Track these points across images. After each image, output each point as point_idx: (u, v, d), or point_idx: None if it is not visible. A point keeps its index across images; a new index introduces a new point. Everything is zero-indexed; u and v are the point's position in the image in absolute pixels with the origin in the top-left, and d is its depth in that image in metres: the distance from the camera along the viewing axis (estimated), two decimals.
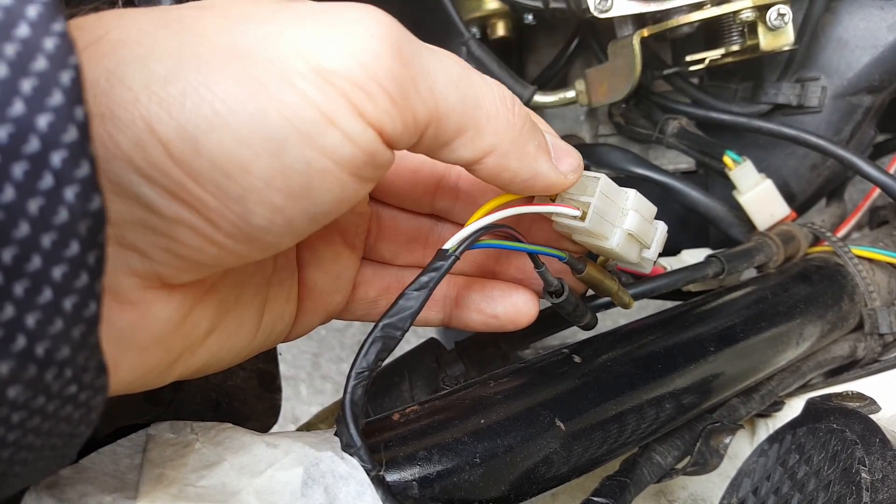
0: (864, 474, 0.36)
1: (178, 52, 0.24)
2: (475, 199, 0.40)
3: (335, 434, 0.32)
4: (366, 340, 0.31)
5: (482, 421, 0.34)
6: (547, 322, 0.49)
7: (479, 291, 0.41)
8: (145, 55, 0.23)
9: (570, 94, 0.67)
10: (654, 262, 0.40)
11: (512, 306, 0.41)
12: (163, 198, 0.24)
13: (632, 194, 0.37)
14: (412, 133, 0.27)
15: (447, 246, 0.34)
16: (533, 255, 0.38)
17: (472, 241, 0.34)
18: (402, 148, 0.28)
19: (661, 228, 0.39)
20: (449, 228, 0.42)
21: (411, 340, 0.52)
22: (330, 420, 0.51)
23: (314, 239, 0.37)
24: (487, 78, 0.30)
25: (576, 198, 0.36)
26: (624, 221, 0.37)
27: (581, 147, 0.70)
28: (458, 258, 0.34)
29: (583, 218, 0.35)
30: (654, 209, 0.38)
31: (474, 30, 0.71)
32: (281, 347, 0.47)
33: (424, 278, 0.33)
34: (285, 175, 0.24)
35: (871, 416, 0.40)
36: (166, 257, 0.26)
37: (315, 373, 1.51)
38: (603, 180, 0.36)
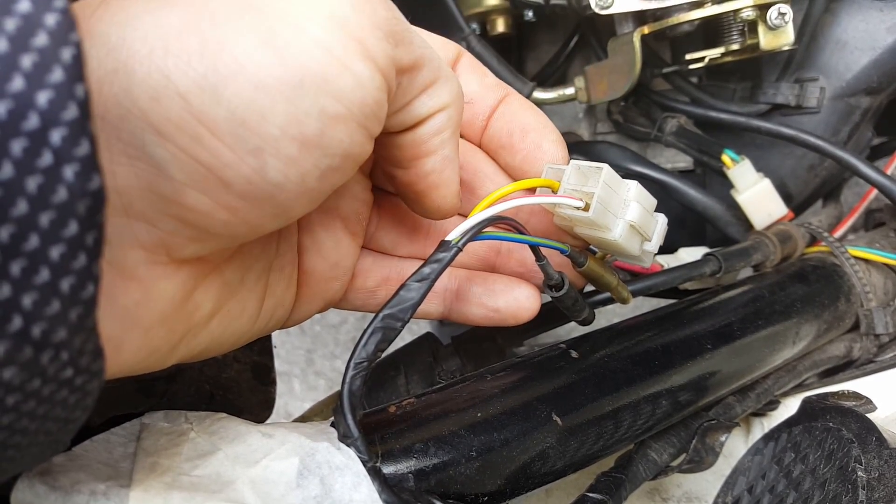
0: (860, 473, 0.36)
1: (189, 4, 0.24)
2: (474, 190, 0.40)
3: (331, 425, 0.31)
4: (365, 331, 0.31)
5: (479, 414, 0.34)
6: (545, 317, 0.49)
7: (481, 285, 0.41)
8: (157, 8, 0.24)
9: (570, 90, 0.67)
10: (654, 255, 0.39)
11: (514, 300, 0.40)
12: (176, 157, 0.24)
13: (633, 185, 0.37)
14: (396, 81, 0.28)
15: (450, 237, 0.33)
16: (535, 248, 0.37)
17: (475, 233, 0.34)
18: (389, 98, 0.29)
19: (662, 221, 0.39)
20: (450, 220, 0.42)
21: (405, 337, 0.52)
22: (324, 413, 0.50)
23: (315, 225, 0.37)
24: None
25: (578, 188, 0.36)
26: (626, 213, 0.36)
27: (579, 144, 0.70)
28: (460, 250, 0.33)
29: (587, 208, 0.35)
30: (654, 201, 0.38)
31: (474, 25, 0.71)
32: (275, 342, 0.47)
33: (426, 269, 0.33)
34: (300, 122, 0.25)
35: (867, 416, 0.40)
36: (174, 225, 0.26)
37: (309, 369, 1.51)
38: (606, 170, 0.35)
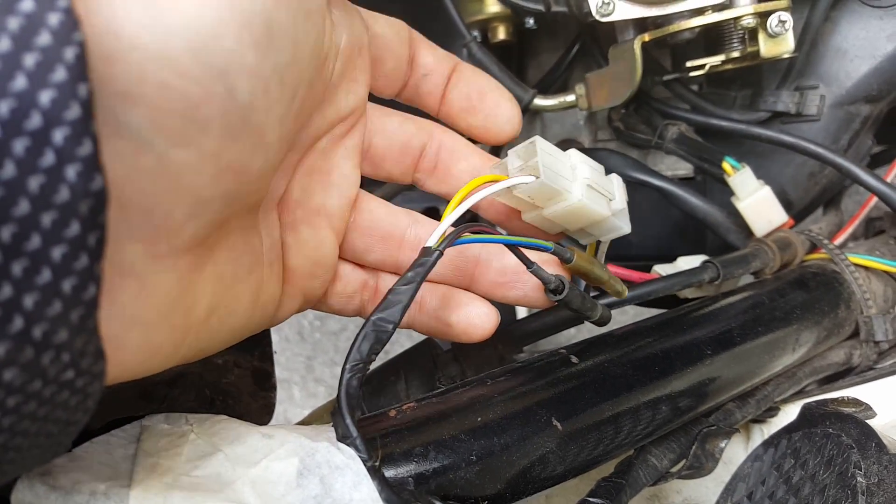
0: (859, 478, 0.36)
1: None
2: (449, 169, 0.42)
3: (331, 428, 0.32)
4: (358, 334, 0.32)
5: (479, 419, 0.34)
6: (546, 324, 0.49)
7: (439, 297, 0.41)
8: None
9: (571, 98, 0.67)
10: (625, 212, 0.40)
11: (465, 317, 0.40)
12: (148, 117, 0.23)
13: (573, 152, 0.39)
14: None
15: (429, 243, 0.34)
16: (524, 258, 0.38)
17: (453, 238, 0.35)
18: None
19: (616, 179, 0.40)
20: (424, 227, 0.42)
21: (405, 343, 0.52)
22: (324, 419, 0.50)
23: (299, 223, 0.37)
24: None
25: (523, 164, 0.37)
26: (577, 175, 0.38)
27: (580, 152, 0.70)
28: (441, 253, 0.34)
29: (537, 176, 0.36)
30: (601, 166, 0.39)
31: (475, 33, 0.71)
32: (275, 349, 0.47)
33: (410, 274, 0.34)
34: (251, 24, 0.24)
35: (867, 422, 0.40)
36: (167, 200, 0.25)
37: (308, 376, 1.51)
38: (538, 140, 0.37)
